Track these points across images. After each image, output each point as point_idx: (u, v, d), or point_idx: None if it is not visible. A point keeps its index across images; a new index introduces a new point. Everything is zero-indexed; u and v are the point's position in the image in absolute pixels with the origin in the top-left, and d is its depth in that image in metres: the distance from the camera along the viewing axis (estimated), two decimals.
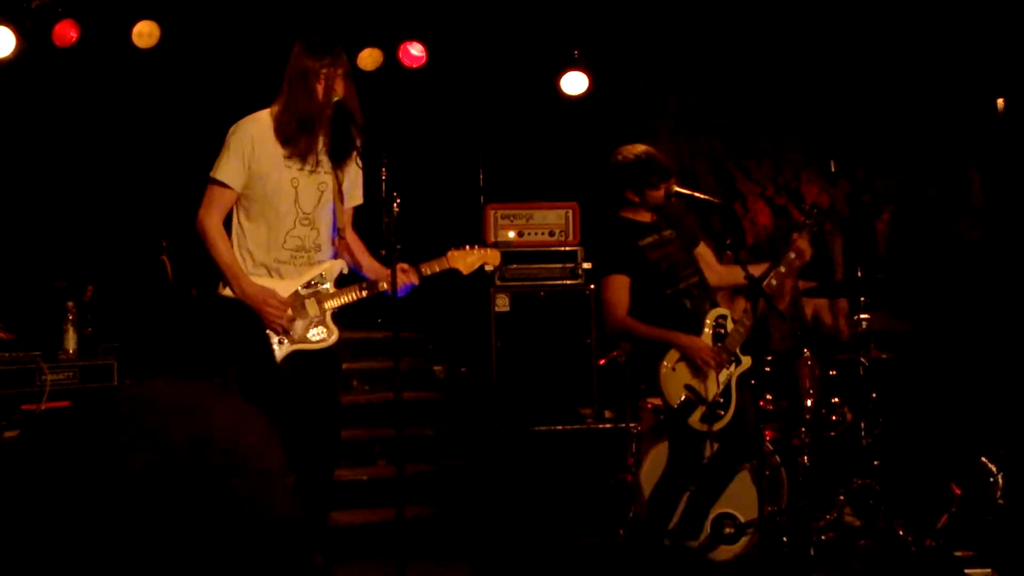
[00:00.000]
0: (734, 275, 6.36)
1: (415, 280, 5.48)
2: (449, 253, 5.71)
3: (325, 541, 5.84)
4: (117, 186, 8.85)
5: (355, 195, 5.60)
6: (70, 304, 7.11)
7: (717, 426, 6.03)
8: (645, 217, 6.27)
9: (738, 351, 6.11)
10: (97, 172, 8.86)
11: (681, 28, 9.58)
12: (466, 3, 9.02)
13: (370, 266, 5.61)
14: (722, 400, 6.01)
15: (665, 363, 6.02)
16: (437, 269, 5.65)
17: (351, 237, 5.58)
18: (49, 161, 8.73)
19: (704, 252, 6.51)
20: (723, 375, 6.04)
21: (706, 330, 6.08)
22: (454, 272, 5.75)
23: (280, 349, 5.25)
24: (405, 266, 5.39)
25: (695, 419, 6.00)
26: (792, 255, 6.26)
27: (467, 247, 5.76)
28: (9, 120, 8.49)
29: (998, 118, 8.88)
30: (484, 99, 9.52)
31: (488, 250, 5.83)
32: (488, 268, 5.90)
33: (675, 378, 6.03)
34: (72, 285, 7.42)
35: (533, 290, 8.25)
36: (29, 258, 8.28)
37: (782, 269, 6.22)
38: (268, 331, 5.25)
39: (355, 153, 5.41)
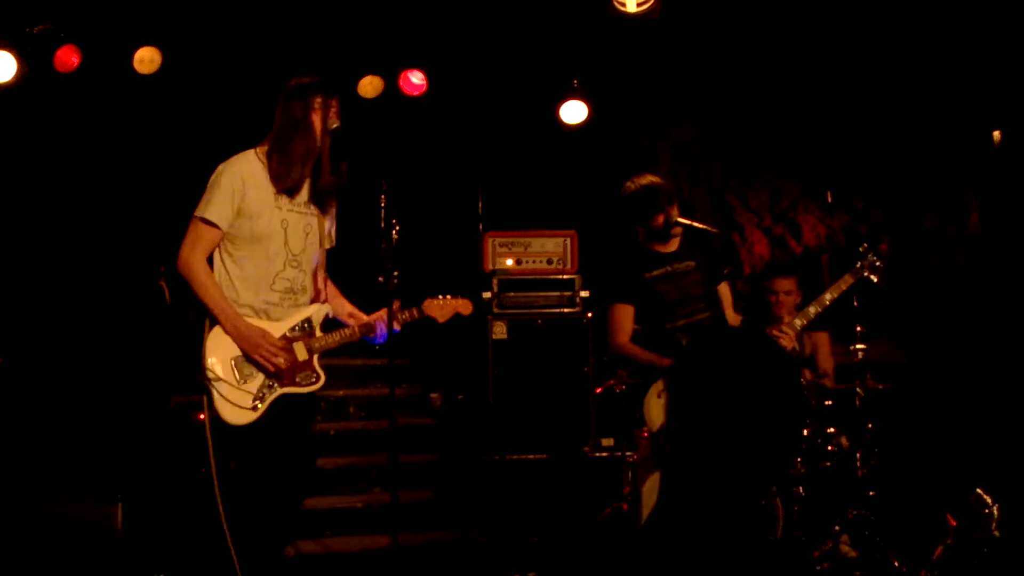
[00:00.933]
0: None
1: (397, 326, 5.47)
2: (425, 302, 5.70)
3: (291, 568, 5.80)
4: (116, 210, 8.86)
5: (330, 238, 5.54)
6: None
7: None
8: (663, 247, 6.32)
9: None
10: (96, 196, 8.87)
11: (680, 58, 9.61)
12: (467, 32, 9.05)
13: (344, 309, 5.60)
14: None
15: (653, 389, 6.07)
16: (417, 316, 5.64)
17: (325, 280, 5.56)
18: (48, 185, 8.75)
19: (723, 292, 6.54)
20: None
21: None
22: (431, 320, 5.74)
23: (271, 394, 5.20)
24: (385, 312, 5.40)
25: None
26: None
27: (441, 297, 5.74)
28: (9, 144, 8.51)
29: (995, 148, 8.90)
30: (484, 127, 9.54)
31: (460, 300, 5.81)
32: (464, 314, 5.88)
33: (659, 405, 6.06)
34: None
35: (530, 318, 8.25)
36: (26, 281, 8.28)
37: (811, 310, 6.33)
38: (260, 372, 5.19)
39: (341, 186, 5.40)
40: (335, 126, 5.22)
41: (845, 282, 6.51)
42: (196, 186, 5.31)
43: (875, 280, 6.56)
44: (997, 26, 8.58)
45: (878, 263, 6.55)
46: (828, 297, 6.48)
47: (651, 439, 6.21)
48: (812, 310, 6.47)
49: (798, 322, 6.44)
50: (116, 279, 8.64)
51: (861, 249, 6.64)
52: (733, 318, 6.53)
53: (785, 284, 7.56)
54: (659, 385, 6.07)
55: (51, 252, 8.61)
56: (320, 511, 7.59)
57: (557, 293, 8.33)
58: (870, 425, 6.93)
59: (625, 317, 6.25)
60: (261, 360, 5.13)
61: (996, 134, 8.87)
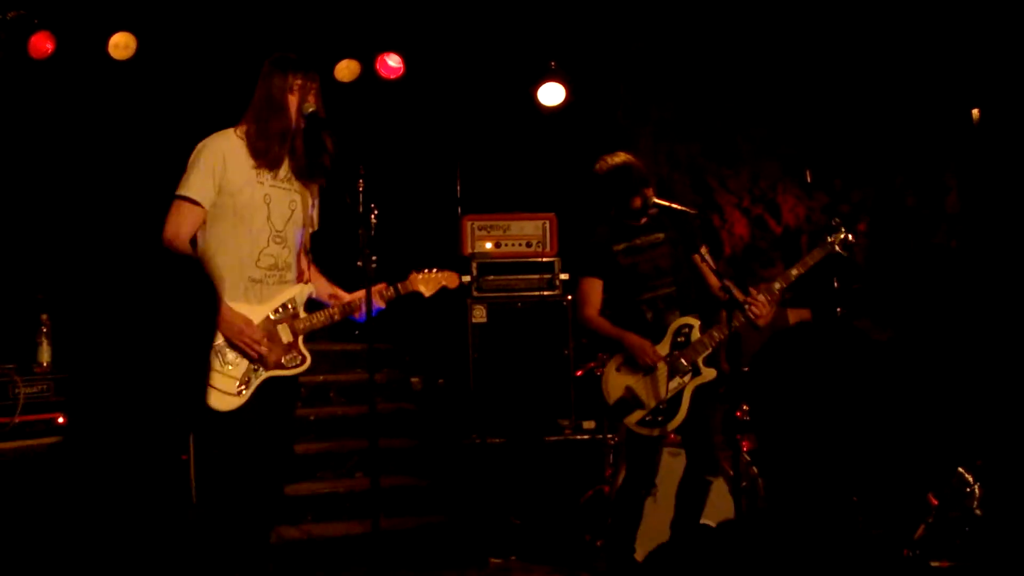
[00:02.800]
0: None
1: (381, 304, 5.44)
2: (411, 276, 5.66)
3: (273, 555, 5.78)
4: (93, 197, 8.80)
5: (313, 219, 5.49)
6: (44, 317, 7.06)
7: (658, 431, 6.05)
8: (632, 220, 6.30)
9: (699, 362, 6.09)
10: (73, 183, 8.81)
11: (659, 39, 9.60)
12: (443, 14, 9.02)
13: (326, 290, 5.56)
14: (664, 407, 6.01)
15: (612, 362, 6.13)
16: (401, 292, 5.60)
17: (309, 261, 5.52)
18: (24, 172, 8.68)
19: (700, 262, 6.44)
20: (674, 383, 6.04)
21: (667, 338, 6.11)
22: (417, 295, 5.70)
23: (256, 378, 5.17)
24: (379, 287, 5.38)
25: (632, 420, 6.05)
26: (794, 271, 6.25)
27: (426, 271, 5.70)
28: None
29: (974, 128, 8.91)
30: (461, 110, 9.51)
31: (446, 273, 5.78)
32: (449, 288, 5.85)
33: (618, 377, 6.10)
34: (47, 297, 7.37)
35: (510, 301, 8.25)
36: (3, 270, 8.22)
37: (776, 286, 6.25)
38: (246, 359, 5.16)
39: (322, 174, 5.36)
40: (311, 110, 5.18)
41: (813, 257, 6.36)
42: (173, 172, 5.27)
43: (844, 255, 6.43)
44: (976, 4, 8.58)
45: (851, 238, 6.44)
46: (794, 272, 6.34)
47: (605, 409, 6.23)
48: (777, 285, 6.38)
49: (763, 297, 6.31)
50: (94, 265, 8.59)
51: (833, 223, 6.51)
52: (716, 284, 6.44)
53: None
54: (618, 359, 6.12)
55: (26, 240, 8.54)
56: (301, 497, 7.58)
57: (537, 276, 8.34)
58: None
59: (592, 290, 6.27)
60: (243, 347, 5.11)
61: (975, 113, 8.87)
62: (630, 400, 6.05)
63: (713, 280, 6.35)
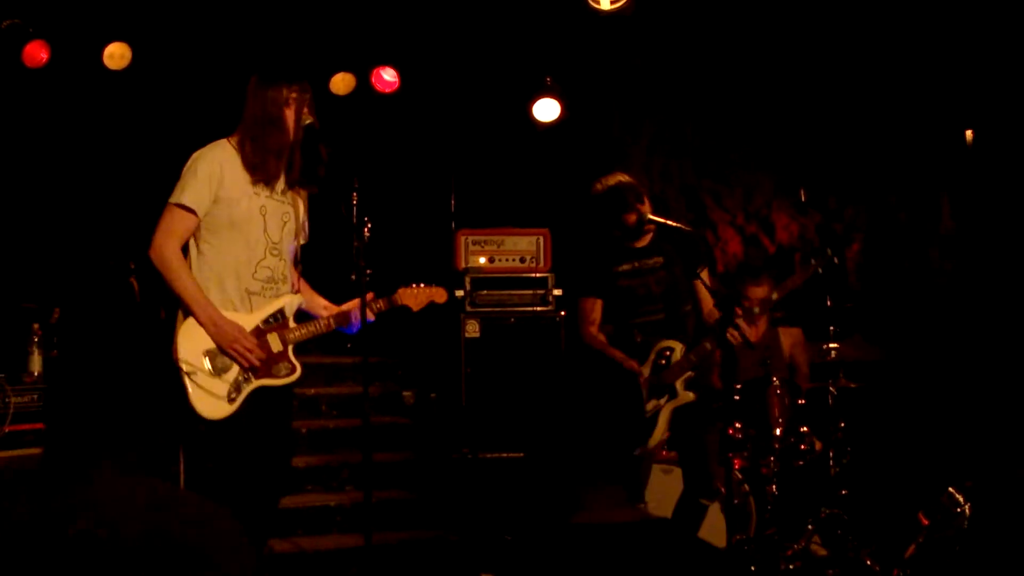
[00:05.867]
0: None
1: (371, 317, 5.42)
2: (399, 291, 5.65)
3: (267, 569, 5.76)
4: (86, 207, 8.79)
5: (304, 233, 5.48)
6: (36, 326, 7.03)
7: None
8: (634, 242, 6.38)
9: (677, 385, 6.16)
10: (66, 192, 8.80)
11: (654, 55, 9.61)
12: (439, 29, 9.02)
13: (318, 304, 5.54)
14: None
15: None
16: (391, 305, 5.58)
17: (299, 274, 5.51)
18: (17, 181, 8.67)
19: (701, 289, 6.53)
20: (651, 404, 6.12)
21: (649, 359, 6.19)
22: (405, 309, 5.69)
23: (247, 385, 5.13)
24: (368, 299, 5.36)
25: None
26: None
27: (414, 285, 5.69)
28: None
29: (967, 149, 8.92)
30: (456, 125, 9.52)
31: (434, 288, 5.77)
32: (438, 302, 5.85)
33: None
34: (39, 307, 7.35)
35: (503, 316, 8.24)
36: None
37: (756, 310, 6.39)
38: (235, 364, 5.12)
39: (314, 183, 5.34)
40: (308, 122, 5.16)
41: (793, 281, 6.46)
42: (166, 182, 5.25)
43: (820, 272, 6.52)
44: (971, 26, 8.60)
45: (835, 260, 6.56)
46: (774, 296, 6.51)
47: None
48: (757, 309, 6.52)
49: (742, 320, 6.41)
50: (86, 276, 8.57)
51: (816, 246, 6.72)
52: (712, 315, 6.53)
53: (759, 292, 7.48)
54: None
55: (20, 248, 8.53)
56: (292, 510, 7.55)
57: (530, 291, 8.32)
58: (843, 424, 6.94)
59: (593, 309, 6.41)
60: (236, 355, 5.06)
61: (968, 134, 8.89)
62: None
63: (707, 305, 6.44)
